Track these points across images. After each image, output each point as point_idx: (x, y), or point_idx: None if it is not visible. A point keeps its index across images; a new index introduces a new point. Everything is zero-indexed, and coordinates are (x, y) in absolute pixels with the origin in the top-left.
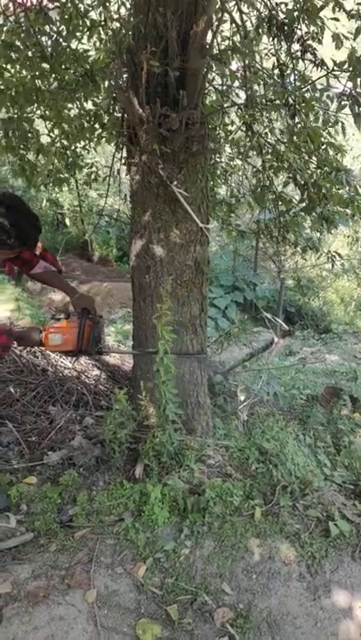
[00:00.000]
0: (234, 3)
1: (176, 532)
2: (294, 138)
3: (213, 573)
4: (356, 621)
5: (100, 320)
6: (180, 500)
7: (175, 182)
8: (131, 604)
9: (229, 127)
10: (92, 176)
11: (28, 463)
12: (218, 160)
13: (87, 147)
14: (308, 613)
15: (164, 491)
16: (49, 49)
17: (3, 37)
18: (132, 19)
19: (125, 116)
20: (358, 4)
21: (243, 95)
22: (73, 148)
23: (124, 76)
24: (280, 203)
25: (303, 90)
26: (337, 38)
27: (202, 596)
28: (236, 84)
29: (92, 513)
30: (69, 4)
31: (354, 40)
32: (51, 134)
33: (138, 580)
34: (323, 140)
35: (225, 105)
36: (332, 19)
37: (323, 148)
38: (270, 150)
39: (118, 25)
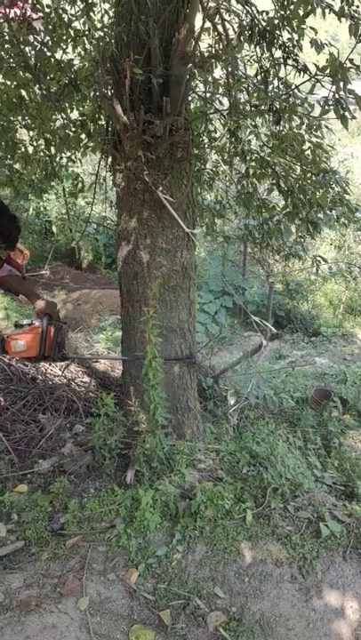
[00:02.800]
0: (216, 10)
1: (168, 537)
2: (280, 142)
3: (206, 577)
4: (348, 621)
5: (62, 325)
6: (171, 505)
7: (160, 188)
8: (123, 610)
9: (214, 134)
10: (78, 186)
11: (19, 472)
12: (203, 167)
13: (73, 157)
14: (300, 615)
15: (155, 496)
16: (32, 59)
17: None
18: (114, 27)
19: (110, 123)
20: (348, 3)
21: (226, 102)
22: (58, 158)
23: (109, 83)
24: (264, 210)
25: (287, 95)
26: (315, 44)
27: (194, 601)
28: (220, 90)
29: (83, 520)
30: (53, 15)
31: (351, 36)
32: (33, 143)
33: (130, 586)
34: (308, 142)
35: (209, 112)
36: (310, 27)
37: (309, 150)
38: (254, 157)
39: (102, 34)
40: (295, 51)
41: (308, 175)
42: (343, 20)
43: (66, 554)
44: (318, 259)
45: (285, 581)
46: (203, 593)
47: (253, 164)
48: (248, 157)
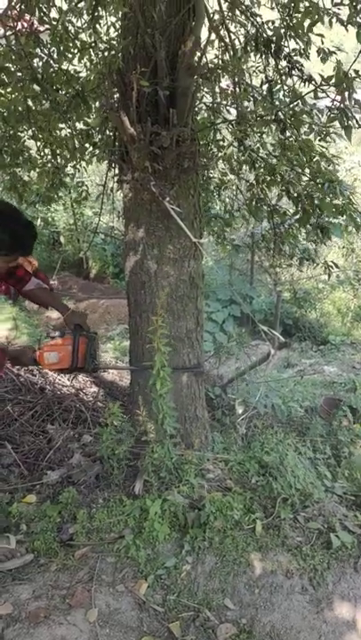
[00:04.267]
0: (222, 22)
1: (177, 548)
2: (286, 151)
3: (215, 589)
4: (360, 634)
5: (94, 336)
6: (180, 516)
7: (168, 198)
8: (133, 622)
9: (222, 143)
10: (83, 194)
11: (28, 483)
12: (211, 175)
13: (77, 166)
14: (311, 627)
15: (163, 506)
16: (40, 71)
17: None
18: (121, 40)
19: (117, 134)
20: (354, 13)
21: (233, 112)
22: (65, 167)
23: (115, 96)
24: (275, 215)
25: (293, 105)
26: (323, 52)
27: (204, 613)
28: (227, 100)
29: (92, 531)
30: (60, 27)
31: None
32: (41, 153)
33: (139, 597)
34: (314, 152)
35: (216, 121)
36: (317, 34)
37: (315, 160)
38: (263, 164)
39: (108, 46)
40: (300, 60)
41: (317, 182)
42: (350, 27)
43: (75, 565)
44: (330, 264)
45: (296, 593)
46: (213, 605)
47: (262, 170)
48: (257, 165)
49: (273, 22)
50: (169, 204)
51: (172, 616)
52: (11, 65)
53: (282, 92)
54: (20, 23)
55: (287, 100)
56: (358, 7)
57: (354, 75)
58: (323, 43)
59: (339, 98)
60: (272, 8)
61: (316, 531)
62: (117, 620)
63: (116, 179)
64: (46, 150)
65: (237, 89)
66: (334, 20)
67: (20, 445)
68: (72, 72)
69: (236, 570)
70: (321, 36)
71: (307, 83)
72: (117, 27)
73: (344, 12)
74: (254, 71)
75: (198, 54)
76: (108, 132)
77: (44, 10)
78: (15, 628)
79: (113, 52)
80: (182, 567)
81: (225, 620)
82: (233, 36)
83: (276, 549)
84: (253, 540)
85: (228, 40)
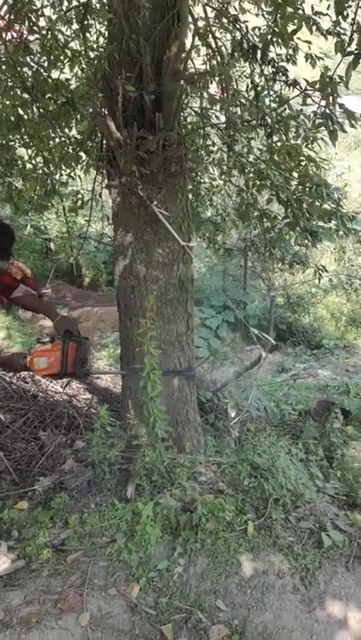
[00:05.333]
0: (207, 28)
1: (169, 551)
2: (274, 156)
3: (207, 590)
4: (352, 632)
5: (85, 341)
6: (172, 519)
7: (155, 202)
8: (125, 625)
9: (211, 148)
10: (78, 203)
11: (19, 490)
12: (201, 180)
13: (72, 175)
14: (303, 626)
15: (156, 509)
16: (30, 79)
17: None
18: (107, 46)
19: (105, 140)
20: (334, 22)
21: (222, 117)
22: (57, 175)
23: (102, 101)
24: (265, 220)
25: (279, 110)
26: (310, 58)
27: (196, 614)
28: (215, 105)
29: (84, 536)
30: (49, 36)
31: (337, 54)
32: (32, 161)
33: (131, 600)
34: (302, 156)
35: (203, 126)
36: (305, 41)
37: (303, 164)
38: (252, 169)
39: (97, 54)
40: (285, 66)
41: (305, 186)
42: (331, 37)
43: (67, 570)
44: (320, 267)
45: (288, 592)
46: (205, 606)
47: (252, 175)
48: (246, 170)
49: (259, 29)
50: (157, 208)
51: (164, 618)
52: (0, 73)
53: (268, 98)
54: (9, 33)
55: (273, 105)
56: (337, 19)
57: (338, 80)
58: (310, 48)
59: (324, 103)
60: (257, 15)
61: (307, 530)
62: (109, 623)
63: (104, 184)
64: (38, 158)
65: (225, 94)
66: (315, 27)
67: (12, 452)
68: (62, 80)
69: (228, 571)
70: (308, 42)
71: (292, 88)
72: (106, 35)
73: (327, 20)
74: (240, 76)
75: (184, 59)
76: (96, 139)
77: (33, 19)
78: (6, 634)
79: (100, 59)
80: (174, 569)
81: (217, 621)
82: (219, 42)
83: (268, 550)
84: (245, 540)
85: (214, 46)
